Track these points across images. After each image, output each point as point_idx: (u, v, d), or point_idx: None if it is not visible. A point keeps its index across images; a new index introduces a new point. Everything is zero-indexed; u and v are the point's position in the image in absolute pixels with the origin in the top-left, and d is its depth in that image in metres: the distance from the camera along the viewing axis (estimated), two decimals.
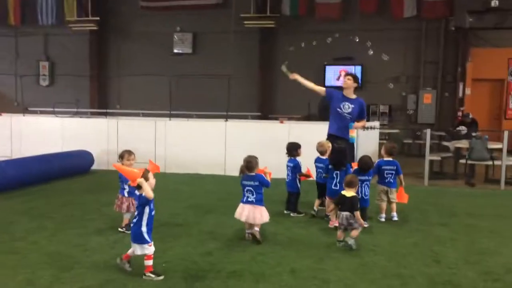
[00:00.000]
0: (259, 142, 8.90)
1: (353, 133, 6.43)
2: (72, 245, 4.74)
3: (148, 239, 3.92)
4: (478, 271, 4.13)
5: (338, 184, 5.51)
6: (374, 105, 14.99)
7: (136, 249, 3.96)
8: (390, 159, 5.96)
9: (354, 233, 4.74)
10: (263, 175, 5.01)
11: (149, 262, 3.92)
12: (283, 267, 4.16)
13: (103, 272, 4.00)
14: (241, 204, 5.00)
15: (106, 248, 4.67)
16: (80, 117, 11.51)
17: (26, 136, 10.28)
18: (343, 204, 4.86)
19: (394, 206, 5.93)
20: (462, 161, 8.94)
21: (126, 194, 5.20)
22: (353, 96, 6.46)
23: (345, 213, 4.80)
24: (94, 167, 9.60)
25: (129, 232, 5.07)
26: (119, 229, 5.22)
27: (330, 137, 6.37)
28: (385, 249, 4.70)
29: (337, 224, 5.06)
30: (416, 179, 8.83)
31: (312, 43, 15.31)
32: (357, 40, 10.74)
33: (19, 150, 10.03)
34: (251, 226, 4.94)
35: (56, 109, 11.46)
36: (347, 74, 6.63)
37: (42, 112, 13.02)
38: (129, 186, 5.00)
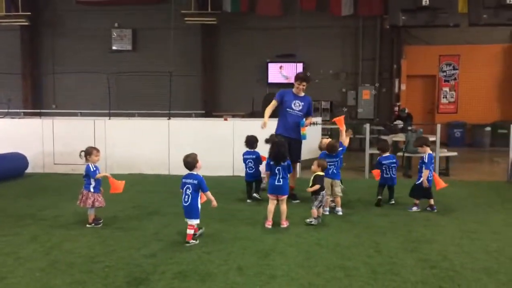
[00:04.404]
0: (203, 140, 8.83)
1: (304, 131, 6.53)
2: (3, 253, 4.45)
3: None
4: (416, 258, 4.31)
5: (281, 180, 5.43)
6: (316, 102, 15.31)
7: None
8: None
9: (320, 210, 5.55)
10: None
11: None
12: (229, 265, 4.13)
13: (38, 281, 3.78)
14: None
15: (41, 255, 4.42)
16: (12, 117, 10.88)
17: None
18: (322, 183, 5.48)
19: (338, 200, 6.07)
20: (400, 154, 9.32)
21: (92, 190, 5.36)
22: (302, 94, 6.58)
23: (323, 192, 5.52)
24: (28, 170, 9.09)
25: (98, 226, 5.35)
26: (87, 225, 5.33)
27: (277, 136, 6.39)
28: (329, 242, 4.79)
29: (269, 226, 5.32)
30: (357, 173, 9.11)
31: (254, 40, 15.45)
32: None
33: None
34: None
35: None
36: (304, 80, 6.57)
37: None
38: (95, 181, 5.34)
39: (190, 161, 4.89)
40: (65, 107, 15.38)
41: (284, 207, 5.43)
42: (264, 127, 6.52)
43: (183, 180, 4.85)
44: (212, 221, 5.49)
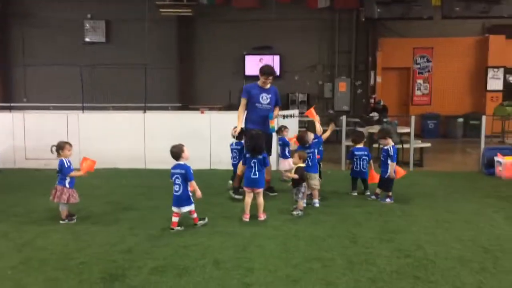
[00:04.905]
0: (179, 133, 8.71)
1: (273, 123, 6.50)
2: None
3: None
4: (392, 248, 4.37)
5: (257, 173, 5.42)
6: (293, 94, 15.34)
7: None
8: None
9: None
10: None
11: None
12: (206, 259, 4.10)
13: (10, 279, 3.68)
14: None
15: (13, 252, 4.31)
16: None
17: None
18: (303, 175, 5.58)
19: (315, 193, 6.08)
20: (375, 145, 9.42)
21: (67, 185, 5.30)
22: (268, 86, 6.48)
23: (305, 183, 5.63)
24: None
25: (72, 222, 5.26)
26: (61, 222, 5.24)
27: (245, 130, 6.35)
28: (306, 234, 4.82)
29: (247, 219, 5.33)
30: (334, 164, 9.17)
31: (231, 32, 15.33)
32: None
33: None
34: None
35: None
36: (270, 74, 6.42)
37: None
38: (70, 177, 5.30)
39: (176, 151, 5.04)
40: (36, 100, 14.98)
41: (260, 200, 5.43)
42: (236, 134, 6.48)
43: (172, 171, 5.01)
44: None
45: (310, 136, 6.15)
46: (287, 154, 7.56)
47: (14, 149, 9.14)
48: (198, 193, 4.99)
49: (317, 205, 6.03)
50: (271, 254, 4.23)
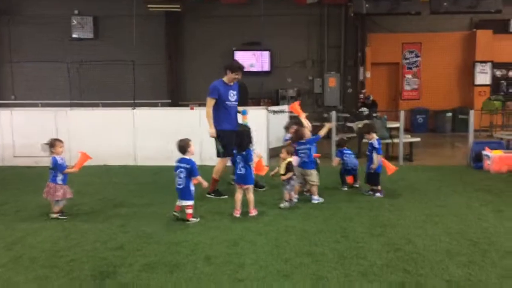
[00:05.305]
0: (169, 129, 8.69)
1: (246, 119, 6.47)
2: None
3: None
4: (382, 242, 4.41)
5: (242, 169, 5.42)
6: (283, 90, 15.35)
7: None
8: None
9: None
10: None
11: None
12: (197, 255, 4.10)
13: (0, 278, 3.65)
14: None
15: (2, 250, 4.27)
16: None
17: None
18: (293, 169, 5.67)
19: (313, 189, 6.05)
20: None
21: (60, 182, 5.33)
22: (232, 82, 6.34)
23: (294, 176, 5.70)
24: None
25: (63, 218, 5.25)
26: (52, 216, 5.28)
27: (225, 132, 6.20)
28: (297, 229, 4.84)
29: (238, 215, 5.33)
30: (324, 160, 9.19)
31: (220, 28, 15.28)
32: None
33: None
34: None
35: None
36: (242, 70, 6.27)
37: None
38: (63, 174, 5.32)
39: (182, 145, 5.19)
40: (24, 97, 14.83)
41: (250, 196, 5.44)
42: (214, 136, 6.23)
43: (177, 164, 5.13)
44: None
45: (307, 131, 6.16)
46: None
47: (2, 147, 9.05)
48: (204, 183, 5.26)
49: (316, 201, 5.97)
50: (262, 249, 4.24)
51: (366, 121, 9.95)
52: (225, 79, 6.28)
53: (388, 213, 5.48)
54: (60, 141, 5.50)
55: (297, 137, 6.13)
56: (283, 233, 4.71)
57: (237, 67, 6.24)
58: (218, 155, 6.34)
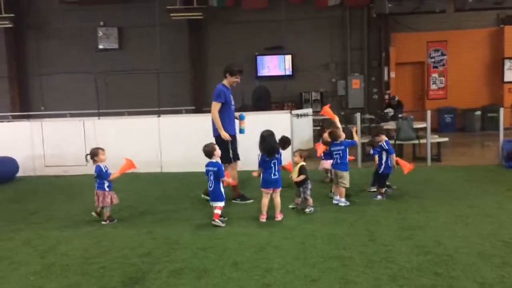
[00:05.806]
0: (194, 136, 8.74)
1: (244, 124, 6.34)
2: None
3: None
4: (411, 245, 4.33)
5: (277, 173, 5.39)
6: (307, 93, 15.31)
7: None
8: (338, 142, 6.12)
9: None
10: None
11: None
12: (225, 260, 4.12)
13: (33, 286, 3.74)
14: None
15: (35, 258, 4.38)
16: (0, 121, 10.75)
17: None
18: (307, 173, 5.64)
19: (342, 191, 5.99)
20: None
21: (107, 189, 5.52)
22: (231, 86, 6.32)
23: (309, 180, 5.69)
24: (19, 174, 9.01)
25: (112, 222, 5.45)
26: (103, 222, 5.45)
27: (232, 136, 6.18)
28: (323, 233, 4.80)
29: (264, 219, 5.33)
30: (350, 162, 9.09)
31: (242, 34, 15.38)
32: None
33: None
34: None
35: None
36: (240, 73, 6.26)
37: None
38: (109, 181, 5.52)
39: (208, 150, 5.40)
40: (54, 108, 15.24)
41: (278, 199, 5.44)
42: (229, 138, 6.16)
43: (206, 168, 5.37)
44: (206, 216, 5.49)
45: (341, 132, 6.13)
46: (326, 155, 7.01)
47: (33, 157, 9.30)
48: (232, 182, 5.54)
49: (343, 204, 5.91)
50: (289, 254, 4.22)
51: (393, 122, 9.83)
52: (225, 82, 6.26)
53: (416, 215, 5.38)
54: (102, 149, 5.69)
55: (334, 137, 6.10)
56: (309, 237, 4.68)
57: (237, 71, 6.23)
58: (225, 161, 6.05)
